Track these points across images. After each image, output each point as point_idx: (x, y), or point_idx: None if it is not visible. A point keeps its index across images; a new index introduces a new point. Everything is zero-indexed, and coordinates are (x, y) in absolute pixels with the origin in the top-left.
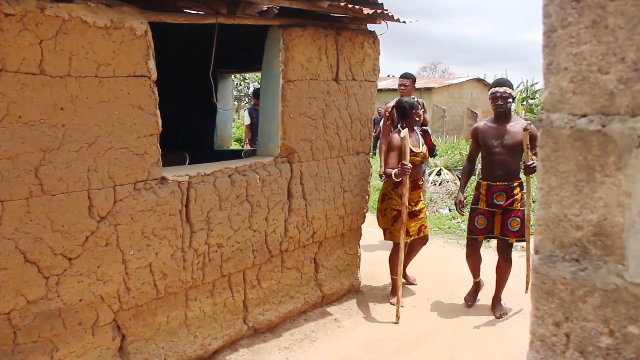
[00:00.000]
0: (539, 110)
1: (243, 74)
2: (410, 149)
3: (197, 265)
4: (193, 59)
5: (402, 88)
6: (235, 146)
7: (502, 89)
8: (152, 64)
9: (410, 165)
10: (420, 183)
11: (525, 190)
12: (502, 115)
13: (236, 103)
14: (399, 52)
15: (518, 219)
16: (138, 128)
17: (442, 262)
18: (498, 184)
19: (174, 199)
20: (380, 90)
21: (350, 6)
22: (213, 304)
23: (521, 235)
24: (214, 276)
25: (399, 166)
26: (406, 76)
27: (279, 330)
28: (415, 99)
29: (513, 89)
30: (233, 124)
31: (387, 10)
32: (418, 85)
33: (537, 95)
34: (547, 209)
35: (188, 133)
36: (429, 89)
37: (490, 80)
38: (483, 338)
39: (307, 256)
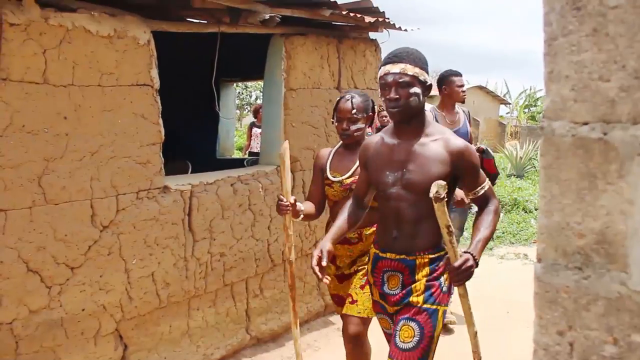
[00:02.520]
0: (540, 117)
1: (245, 82)
2: (327, 175)
3: (200, 274)
4: (195, 67)
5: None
6: (237, 154)
7: (396, 68)
8: (155, 72)
9: (287, 199)
10: (352, 236)
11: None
12: (404, 122)
13: (238, 111)
14: None
15: (414, 327)
16: (141, 137)
17: None
18: (389, 256)
19: (176, 207)
20: None
21: (351, 14)
22: (215, 313)
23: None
24: (216, 285)
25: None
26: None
27: (281, 339)
28: (460, 109)
29: (425, 68)
30: (235, 132)
31: (388, 19)
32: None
33: (539, 102)
34: (549, 217)
35: (190, 141)
36: (430, 97)
37: (492, 88)
38: (486, 346)
39: (310, 264)
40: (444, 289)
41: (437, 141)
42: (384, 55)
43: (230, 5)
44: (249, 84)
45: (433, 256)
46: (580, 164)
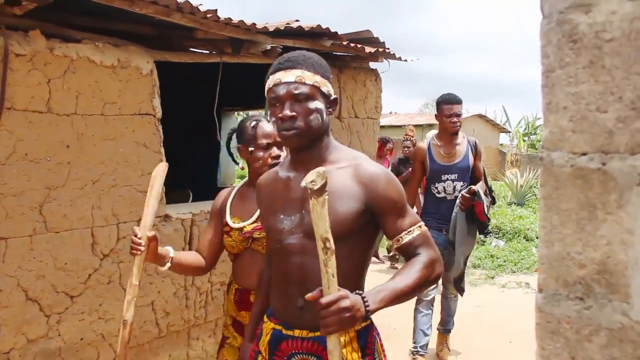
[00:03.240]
0: (540, 147)
1: (246, 111)
2: (225, 220)
3: (200, 303)
4: (197, 97)
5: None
6: (238, 182)
7: (290, 75)
8: (157, 102)
9: (142, 235)
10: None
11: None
12: (303, 149)
13: None
14: (400, 89)
15: None
16: (142, 165)
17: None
18: (297, 333)
19: (177, 236)
20: (382, 127)
21: (352, 45)
22: (215, 343)
23: None
24: (216, 314)
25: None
26: (457, 101)
27: None
28: (466, 139)
29: (327, 77)
30: None
31: (388, 49)
32: (419, 121)
33: (538, 130)
34: (550, 247)
35: (191, 170)
36: (430, 125)
37: (491, 116)
38: None
39: None
40: None
41: (345, 169)
42: (384, 84)
43: (233, 36)
44: (250, 112)
45: (359, 328)
46: (579, 194)
